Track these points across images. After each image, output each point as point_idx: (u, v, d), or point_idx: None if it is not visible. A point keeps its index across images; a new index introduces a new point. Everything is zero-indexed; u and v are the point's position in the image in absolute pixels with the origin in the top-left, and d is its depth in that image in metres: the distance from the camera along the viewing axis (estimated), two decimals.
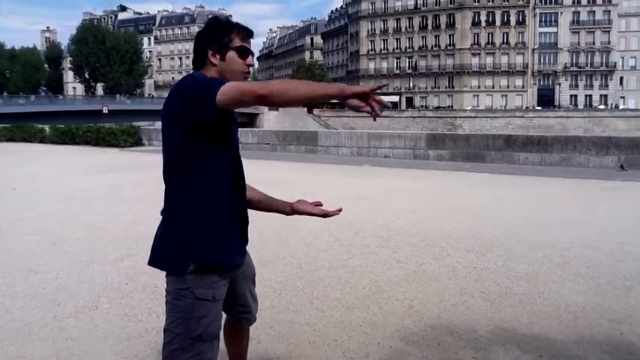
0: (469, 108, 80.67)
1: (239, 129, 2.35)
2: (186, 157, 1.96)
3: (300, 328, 3.64)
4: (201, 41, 2.09)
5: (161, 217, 2.09)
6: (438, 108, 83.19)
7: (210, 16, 2.27)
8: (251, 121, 70.75)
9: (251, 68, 2.17)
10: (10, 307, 4.05)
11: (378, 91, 1.80)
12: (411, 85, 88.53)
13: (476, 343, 3.40)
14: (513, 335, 3.54)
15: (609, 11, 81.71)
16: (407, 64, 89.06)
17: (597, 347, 3.37)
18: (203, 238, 1.98)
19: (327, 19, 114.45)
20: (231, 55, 2.06)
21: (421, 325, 3.71)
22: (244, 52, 2.08)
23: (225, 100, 1.84)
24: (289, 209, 2.56)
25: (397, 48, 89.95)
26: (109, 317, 3.82)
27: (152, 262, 2.09)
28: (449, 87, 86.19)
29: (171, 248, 2.00)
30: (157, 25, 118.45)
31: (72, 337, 3.50)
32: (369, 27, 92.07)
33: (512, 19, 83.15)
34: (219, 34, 2.07)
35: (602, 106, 78.24)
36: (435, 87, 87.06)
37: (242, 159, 2.23)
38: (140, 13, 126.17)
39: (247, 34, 2.11)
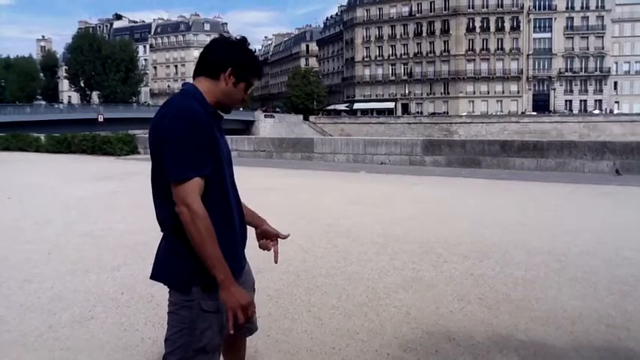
0: (464, 114, 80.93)
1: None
2: None
3: (297, 336, 3.62)
4: (227, 54, 2.06)
5: (161, 232, 2.07)
6: (433, 114, 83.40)
7: (227, 33, 2.27)
8: (247, 128, 70.75)
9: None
10: (5, 317, 4.02)
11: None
12: (407, 92, 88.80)
13: (474, 350, 3.39)
14: (511, 341, 3.53)
15: (603, 17, 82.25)
16: (402, 71, 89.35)
17: (595, 353, 3.37)
18: None
19: (322, 26, 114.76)
20: (241, 87, 2.09)
21: (419, 331, 3.70)
22: (249, 88, 2.13)
23: (174, 193, 1.88)
24: (260, 229, 2.49)
25: (392, 54, 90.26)
26: (105, 327, 3.80)
27: (155, 277, 2.07)
28: (444, 93, 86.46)
29: (176, 266, 1.98)
30: (152, 33, 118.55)
31: (68, 347, 3.47)
32: (364, 34, 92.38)
33: (507, 25, 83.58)
34: (248, 65, 2.08)
35: (596, 111, 78.67)
36: (431, 93, 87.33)
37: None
38: (135, 22, 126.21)
39: (260, 75, 2.19)
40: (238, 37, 2.15)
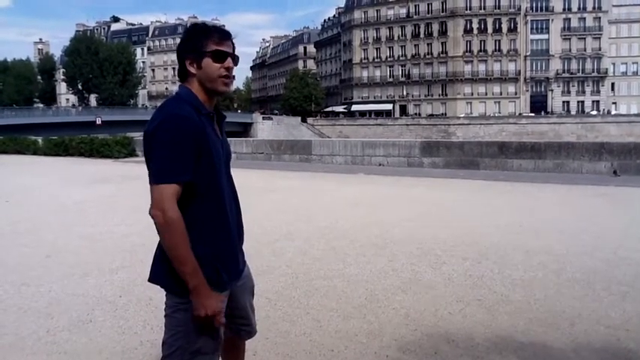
0: (462, 115, 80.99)
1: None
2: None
3: (296, 339, 3.61)
4: (179, 52, 2.05)
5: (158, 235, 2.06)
6: (431, 116, 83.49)
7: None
8: (245, 130, 70.76)
9: (239, 73, 2.12)
10: (3, 321, 4.00)
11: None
12: (405, 93, 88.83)
13: (473, 351, 3.39)
14: (510, 343, 3.53)
15: (599, 18, 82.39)
16: (400, 72, 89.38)
17: (594, 354, 3.36)
18: (203, 261, 1.95)
19: (320, 28, 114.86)
20: (207, 61, 2.00)
21: (418, 333, 3.69)
22: (220, 56, 2.01)
23: (151, 196, 1.88)
24: None
25: (390, 56, 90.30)
26: (103, 330, 3.79)
27: (153, 280, 2.07)
28: (442, 94, 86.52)
29: (171, 269, 1.96)
30: (150, 35, 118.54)
31: (66, 351, 3.46)
32: (362, 36, 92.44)
33: (504, 27, 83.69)
34: (194, 41, 2.01)
35: (594, 112, 78.74)
36: (429, 95, 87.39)
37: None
38: (133, 24, 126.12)
39: (222, 36, 2.04)
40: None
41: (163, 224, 1.86)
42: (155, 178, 1.88)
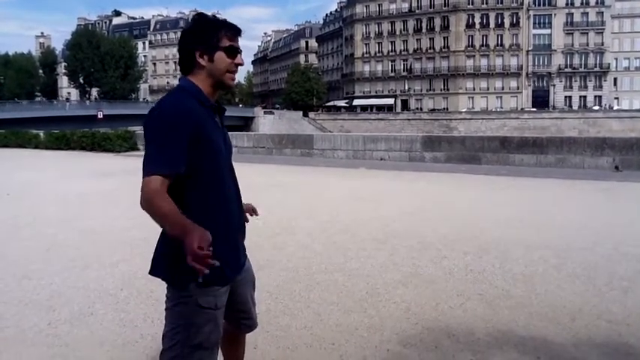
0: (464, 110, 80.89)
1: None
2: (177, 179, 1.90)
3: (296, 332, 3.62)
4: (187, 42, 2.03)
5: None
6: (433, 110, 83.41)
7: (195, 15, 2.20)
8: (246, 124, 70.70)
9: (240, 67, 2.12)
10: (4, 313, 4.01)
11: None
12: (406, 88, 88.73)
13: (474, 346, 3.39)
14: (511, 337, 3.52)
15: (602, 13, 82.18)
16: (402, 67, 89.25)
17: (595, 349, 3.36)
18: None
19: (321, 22, 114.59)
20: (220, 55, 2.01)
21: (419, 327, 3.69)
22: (233, 52, 2.03)
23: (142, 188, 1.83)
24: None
25: (392, 51, 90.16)
26: (104, 323, 3.79)
27: (153, 272, 2.07)
28: (444, 89, 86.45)
29: (173, 262, 1.96)
30: (151, 29, 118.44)
31: (67, 343, 3.47)
32: (364, 30, 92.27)
33: (506, 21, 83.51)
34: (207, 34, 2.00)
35: (596, 107, 78.61)
36: (430, 89, 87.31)
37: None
38: (134, 18, 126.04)
39: (236, 32, 2.06)
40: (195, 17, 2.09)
41: (146, 200, 1.81)
42: (146, 169, 1.84)
